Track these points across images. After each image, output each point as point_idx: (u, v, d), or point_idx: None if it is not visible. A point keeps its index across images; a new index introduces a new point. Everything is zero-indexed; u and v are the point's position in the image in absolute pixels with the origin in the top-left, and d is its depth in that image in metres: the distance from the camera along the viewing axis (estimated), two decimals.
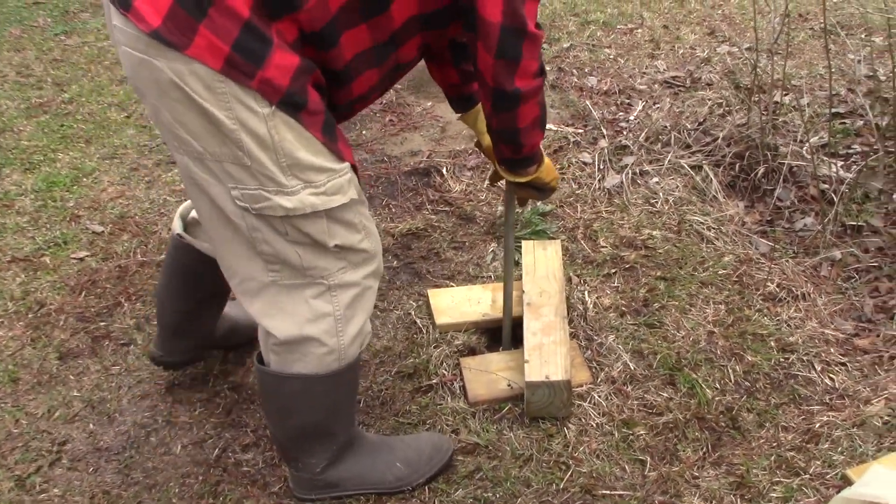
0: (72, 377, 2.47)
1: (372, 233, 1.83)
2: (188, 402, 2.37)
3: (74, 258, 2.95)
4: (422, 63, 2.08)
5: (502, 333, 2.48)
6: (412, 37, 1.76)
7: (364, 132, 3.73)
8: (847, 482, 2.01)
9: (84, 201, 3.28)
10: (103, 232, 3.09)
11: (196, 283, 2.21)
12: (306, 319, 1.78)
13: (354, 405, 2.04)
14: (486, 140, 2.29)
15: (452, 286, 2.74)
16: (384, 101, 3.97)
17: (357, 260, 1.80)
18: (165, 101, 1.56)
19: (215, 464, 2.18)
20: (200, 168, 1.64)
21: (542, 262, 2.62)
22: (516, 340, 2.47)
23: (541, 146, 1.99)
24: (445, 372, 2.41)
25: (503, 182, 2.17)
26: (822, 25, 4.41)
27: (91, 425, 2.31)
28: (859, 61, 3.83)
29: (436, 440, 2.15)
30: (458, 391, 2.36)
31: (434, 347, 2.49)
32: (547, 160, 2.06)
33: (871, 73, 3.69)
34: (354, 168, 1.75)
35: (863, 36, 4.31)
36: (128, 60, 1.58)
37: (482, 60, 1.71)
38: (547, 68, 4.15)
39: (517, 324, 2.45)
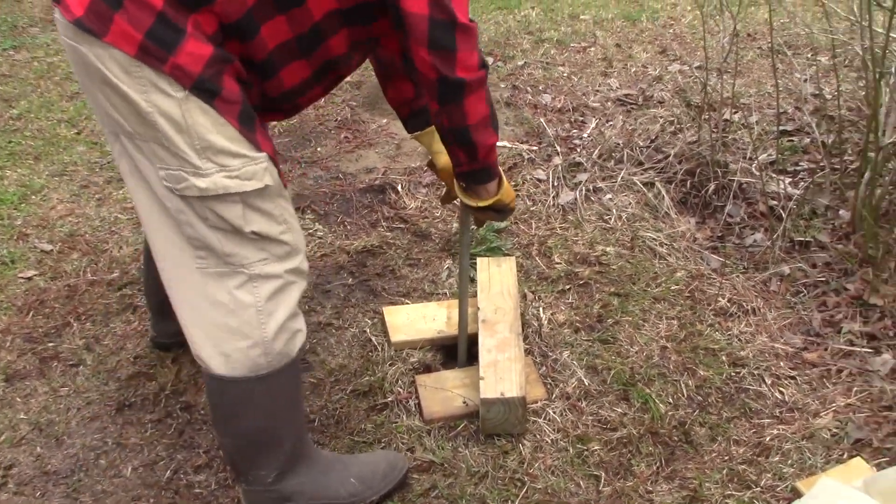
0: (18, 399, 2.41)
1: (294, 228, 1.86)
2: (139, 423, 2.33)
3: (22, 277, 2.89)
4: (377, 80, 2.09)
5: (458, 350, 2.48)
6: (337, 31, 1.80)
7: (319, 149, 3.72)
8: (797, 494, 2.04)
9: (32, 219, 3.22)
10: (52, 250, 3.03)
11: None
12: (228, 310, 1.80)
13: (299, 412, 2.03)
14: (441, 160, 2.29)
15: (408, 303, 2.74)
16: (339, 119, 3.97)
17: (279, 253, 1.83)
18: (96, 85, 1.67)
19: (167, 486, 2.15)
20: (134, 148, 1.72)
21: (496, 278, 2.63)
22: (471, 357, 2.47)
23: (498, 166, 2.00)
24: (401, 390, 2.40)
25: (458, 200, 2.17)
26: (770, 45, 4.51)
27: (38, 448, 2.26)
28: (805, 80, 3.92)
29: (391, 458, 2.14)
30: (413, 409, 2.35)
31: (389, 365, 2.48)
32: (506, 181, 2.05)
33: (817, 92, 3.78)
34: (274, 161, 1.79)
35: (809, 55, 4.42)
36: (66, 49, 1.70)
37: (418, 57, 1.72)
38: (501, 85, 4.19)
39: (472, 341, 2.45)
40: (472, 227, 2.36)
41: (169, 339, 2.50)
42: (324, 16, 1.75)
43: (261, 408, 1.91)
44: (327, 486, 2.05)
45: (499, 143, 3.49)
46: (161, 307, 2.31)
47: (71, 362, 2.54)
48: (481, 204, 2.02)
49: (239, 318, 1.81)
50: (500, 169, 2.02)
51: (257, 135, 1.75)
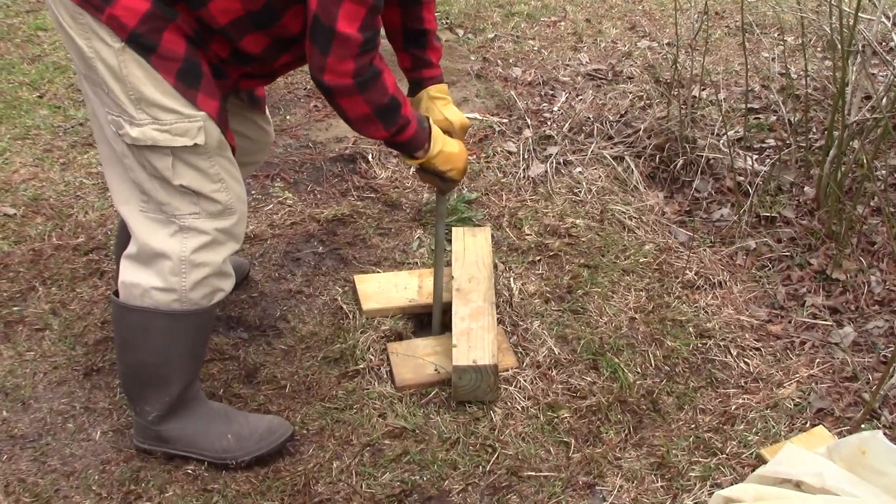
0: None
1: (231, 189, 1.93)
2: (107, 387, 2.31)
3: None
4: None
5: (432, 319, 2.49)
6: (288, 7, 1.84)
7: (288, 117, 3.68)
8: (761, 461, 2.09)
9: None
10: (15, 214, 2.97)
11: None
12: (157, 253, 1.90)
13: (195, 362, 2.07)
14: None
15: (379, 272, 2.73)
16: (308, 87, 3.93)
17: (212, 210, 1.91)
18: (58, 29, 1.80)
19: (137, 450, 2.13)
20: (91, 90, 1.84)
21: (471, 248, 2.64)
22: (443, 326, 2.48)
23: (428, 133, 2.06)
24: (372, 357, 2.41)
25: None
26: (738, 24, 4.55)
27: (4, 412, 2.23)
28: (773, 59, 3.97)
29: (275, 423, 2.15)
30: (385, 376, 2.36)
31: (361, 333, 2.48)
32: (449, 150, 2.11)
33: (784, 72, 3.83)
34: (217, 121, 1.85)
35: (776, 35, 4.46)
36: None
37: (306, 45, 1.82)
38: (472, 58, 4.18)
39: (445, 309, 2.46)
40: (447, 197, 2.38)
41: None
42: None
43: (157, 345, 1.98)
44: (205, 437, 2.09)
45: (469, 115, 3.50)
46: None
47: (37, 326, 2.50)
48: (411, 163, 2.12)
49: (164, 263, 1.90)
50: (439, 138, 2.09)
51: (199, 94, 1.81)
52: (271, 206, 3.07)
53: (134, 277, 1.94)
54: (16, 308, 2.56)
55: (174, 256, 1.90)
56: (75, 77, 3.93)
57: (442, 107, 2.22)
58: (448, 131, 2.21)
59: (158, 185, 1.86)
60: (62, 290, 2.63)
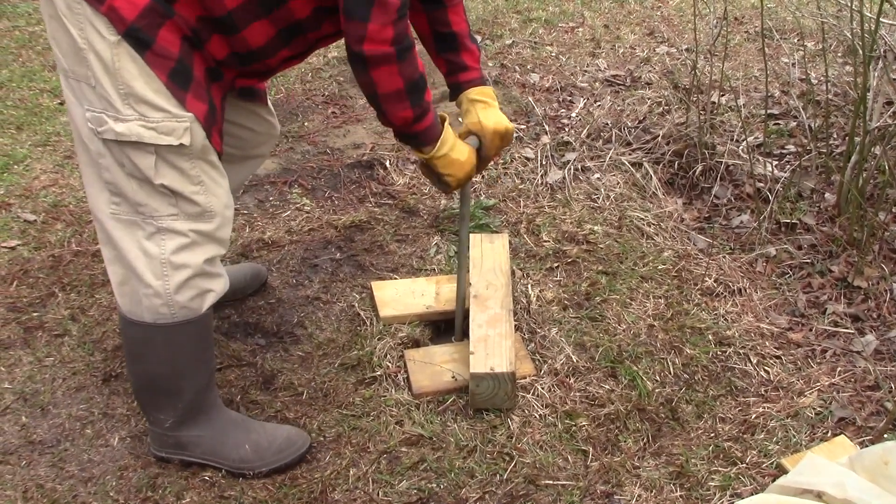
0: (3, 369, 2.39)
1: (212, 192, 1.90)
2: (125, 393, 2.32)
3: (5, 247, 2.85)
4: None
5: (455, 323, 2.48)
6: None
7: (306, 123, 3.69)
8: (782, 471, 2.06)
9: (15, 189, 3.18)
10: (36, 221, 3.00)
11: None
12: (135, 256, 1.89)
13: (204, 367, 2.07)
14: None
15: (396, 279, 2.73)
16: (326, 93, 3.94)
17: (190, 211, 1.89)
18: (49, 20, 1.79)
19: (155, 458, 2.13)
20: (68, 87, 1.83)
21: (489, 255, 2.63)
22: (461, 333, 2.48)
23: (440, 131, 2.05)
24: (389, 364, 2.40)
25: None
26: (758, 29, 4.53)
27: (23, 418, 2.24)
28: (793, 65, 3.94)
29: (293, 435, 2.15)
30: (402, 383, 2.35)
31: (378, 339, 2.48)
32: (455, 156, 2.09)
33: (804, 77, 3.80)
34: (204, 124, 1.84)
35: (795, 40, 4.43)
36: None
37: (341, 22, 1.82)
38: (490, 64, 4.18)
39: (463, 316, 2.46)
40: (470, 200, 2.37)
41: None
42: None
43: (161, 356, 1.99)
44: (222, 445, 2.10)
45: None
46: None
47: (56, 332, 2.51)
48: (417, 155, 2.10)
49: (145, 267, 1.89)
50: (448, 141, 2.07)
51: (188, 94, 1.81)
52: (289, 212, 3.07)
53: (121, 285, 1.94)
54: (35, 314, 2.57)
55: (154, 259, 1.88)
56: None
57: (480, 110, 2.20)
58: (479, 135, 2.20)
59: (137, 185, 1.83)
60: (81, 296, 2.64)
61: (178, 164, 1.84)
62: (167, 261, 1.89)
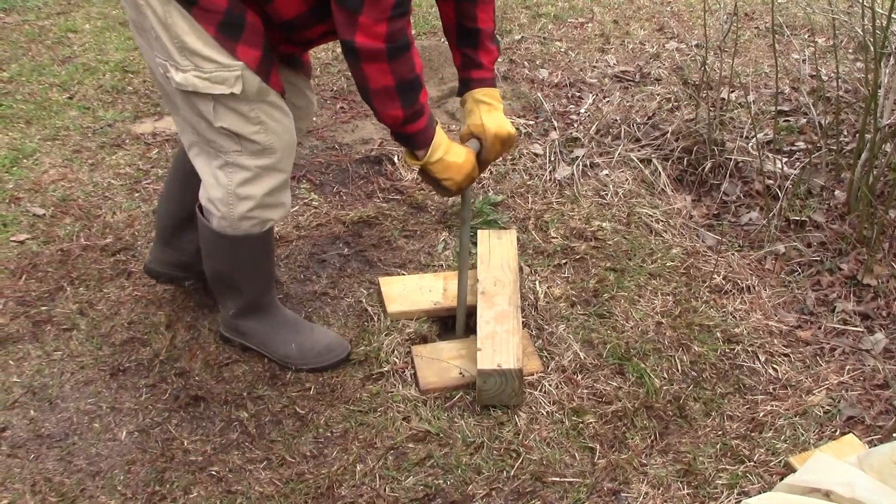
0: (11, 362, 2.39)
1: (272, 130, 2.05)
2: (133, 388, 2.32)
3: (14, 241, 2.86)
4: None
5: (456, 319, 2.48)
6: None
7: (316, 119, 3.69)
8: (790, 469, 2.06)
9: (24, 183, 3.19)
10: (45, 215, 3.00)
11: (191, 188, 2.30)
12: (209, 182, 2.12)
13: (260, 275, 2.31)
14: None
15: (404, 274, 2.73)
16: (335, 88, 3.94)
17: (252, 149, 2.05)
18: None
19: (162, 451, 2.14)
20: (141, 35, 1.99)
21: (496, 251, 2.63)
22: (468, 329, 2.47)
23: (432, 135, 2.04)
24: (397, 360, 2.40)
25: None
26: (768, 25, 4.50)
27: (32, 411, 2.25)
28: (804, 61, 3.92)
29: (333, 342, 2.39)
30: (409, 379, 2.35)
31: (385, 335, 2.48)
32: (451, 160, 2.08)
33: (815, 73, 3.78)
34: (259, 69, 1.95)
35: (806, 36, 4.41)
36: None
37: (333, 8, 1.87)
38: (499, 59, 4.17)
39: (470, 312, 2.45)
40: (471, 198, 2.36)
41: (162, 267, 2.54)
42: None
43: (224, 258, 2.26)
44: (272, 340, 2.38)
45: None
46: (166, 233, 2.49)
47: (64, 326, 2.52)
48: (412, 163, 2.12)
49: (215, 192, 2.12)
50: (442, 146, 2.07)
51: (239, 44, 1.92)
52: (297, 207, 3.07)
53: (203, 198, 2.17)
54: (44, 308, 2.58)
55: (223, 187, 2.10)
56: (104, 78, 3.98)
57: (485, 112, 2.19)
58: (480, 138, 2.19)
59: (205, 126, 2.02)
60: (90, 291, 2.65)
61: (236, 108, 1.98)
62: (233, 192, 2.10)
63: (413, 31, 4.09)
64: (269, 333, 2.37)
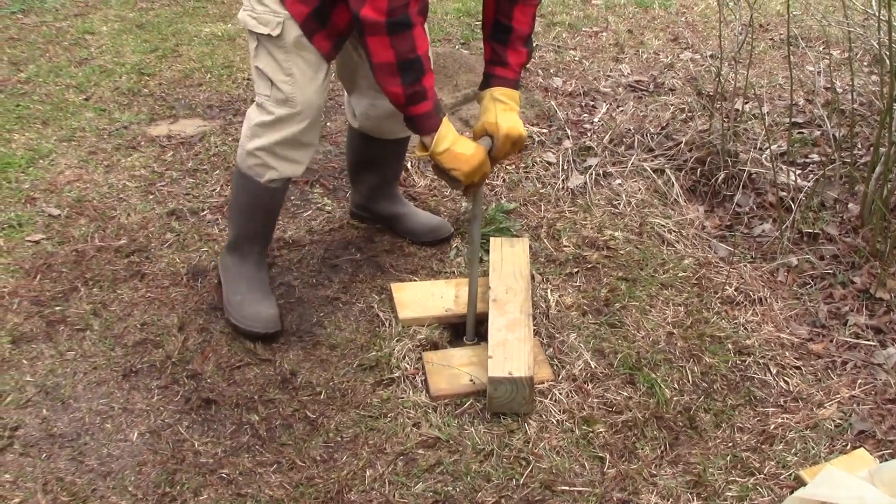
0: (25, 361, 2.41)
1: (300, 85, 2.25)
2: (145, 389, 2.34)
3: (29, 241, 2.88)
4: None
5: (467, 323, 2.48)
6: None
7: (329, 124, 3.71)
8: (800, 483, 2.05)
9: (40, 183, 3.21)
10: (60, 215, 3.02)
11: (357, 138, 2.78)
12: (247, 116, 2.39)
13: (251, 223, 2.51)
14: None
15: (415, 280, 2.74)
16: None
17: (278, 97, 2.28)
18: None
19: (173, 452, 2.15)
20: None
21: (509, 259, 2.63)
22: (479, 337, 2.48)
23: (438, 124, 2.12)
24: (407, 366, 2.41)
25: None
26: (783, 36, 4.50)
27: (44, 411, 2.26)
28: (818, 73, 3.92)
29: (263, 314, 2.48)
30: (419, 385, 2.36)
31: (396, 341, 2.48)
32: (458, 150, 2.14)
33: (829, 86, 3.78)
34: (308, 28, 2.19)
35: (821, 48, 4.41)
36: None
37: None
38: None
39: (481, 320, 2.46)
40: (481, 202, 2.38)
41: (354, 208, 2.98)
42: None
43: (232, 188, 2.55)
44: (231, 283, 2.55)
45: None
46: (351, 176, 2.91)
47: (78, 327, 2.53)
48: (419, 153, 2.21)
49: (246, 124, 2.39)
50: (448, 137, 2.14)
51: None
52: (310, 212, 3.08)
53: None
54: (58, 308, 2.60)
55: (250, 121, 2.36)
56: (121, 80, 4.00)
57: (501, 111, 2.23)
58: (491, 135, 2.21)
59: (252, 63, 2.30)
60: (103, 292, 2.66)
61: (273, 52, 2.23)
62: (253, 128, 2.34)
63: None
64: (235, 277, 2.53)
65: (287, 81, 2.24)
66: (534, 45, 4.49)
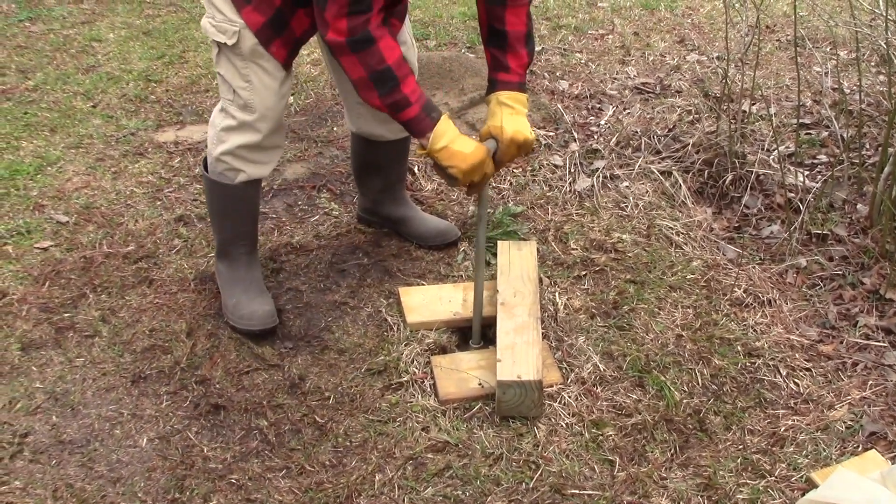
0: (34, 368, 2.42)
1: (258, 92, 2.30)
2: (154, 395, 2.34)
3: (38, 248, 2.89)
4: None
5: (473, 326, 2.48)
6: None
7: (335, 129, 3.71)
8: (812, 485, 2.04)
9: (48, 190, 3.22)
10: (68, 222, 3.03)
11: (362, 143, 2.81)
12: (211, 122, 2.43)
13: (229, 224, 2.54)
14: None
15: (423, 285, 2.73)
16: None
17: (238, 102, 2.32)
18: None
19: (182, 458, 2.15)
20: None
21: (516, 262, 2.63)
22: (487, 340, 2.48)
23: (433, 125, 2.14)
24: (416, 370, 2.40)
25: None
26: (790, 37, 4.49)
27: (54, 417, 2.27)
28: (826, 74, 3.91)
29: (258, 312, 2.50)
30: (428, 389, 2.35)
31: (404, 345, 2.48)
32: (456, 148, 2.15)
33: (837, 86, 3.77)
34: (264, 37, 2.22)
35: (828, 49, 4.39)
36: None
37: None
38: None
39: (489, 323, 2.45)
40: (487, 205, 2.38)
41: (360, 212, 3.01)
42: None
43: (207, 196, 2.59)
44: (226, 288, 2.58)
45: None
46: (357, 181, 2.93)
47: (86, 333, 2.54)
48: (420, 152, 2.23)
49: (211, 130, 2.42)
50: (446, 135, 2.15)
51: (247, 7, 2.20)
52: (317, 216, 3.09)
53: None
54: (67, 314, 2.60)
55: (214, 127, 2.39)
56: (128, 87, 4.01)
57: (507, 114, 2.23)
58: (497, 139, 2.22)
59: (214, 68, 2.34)
60: (112, 298, 2.67)
61: (233, 60, 2.27)
62: (217, 134, 2.38)
63: (432, 43, 4.11)
64: (228, 281, 2.57)
65: (246, 88, 2.29)
66: (536, 44, 4.50)
